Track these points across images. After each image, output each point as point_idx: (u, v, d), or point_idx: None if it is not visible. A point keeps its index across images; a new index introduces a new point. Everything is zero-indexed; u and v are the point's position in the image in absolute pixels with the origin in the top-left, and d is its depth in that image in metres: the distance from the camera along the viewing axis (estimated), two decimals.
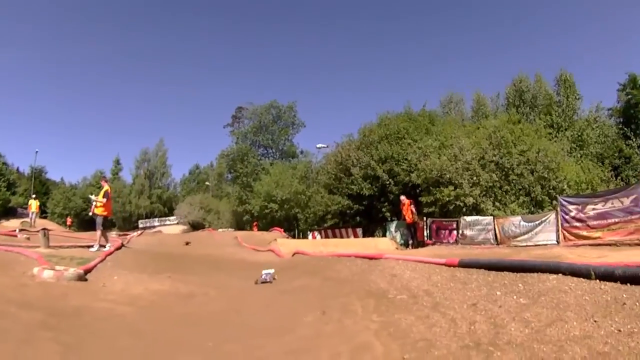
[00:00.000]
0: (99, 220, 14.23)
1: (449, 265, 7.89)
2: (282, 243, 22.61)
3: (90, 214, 15.00)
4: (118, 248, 15.20)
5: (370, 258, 10.63)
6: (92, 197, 14.77)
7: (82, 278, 9.26)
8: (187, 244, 25.35)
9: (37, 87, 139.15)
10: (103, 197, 14.35)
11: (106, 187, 14.69)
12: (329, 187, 31.86)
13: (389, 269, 8.75)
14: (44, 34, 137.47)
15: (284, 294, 9.15)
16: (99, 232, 14.17)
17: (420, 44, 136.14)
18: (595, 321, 3.98)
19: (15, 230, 24.39)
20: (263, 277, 10.58)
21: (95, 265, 10.58)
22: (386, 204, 26.77)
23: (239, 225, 53.18)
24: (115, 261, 12.38)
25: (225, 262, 16.92)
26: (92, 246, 13.92)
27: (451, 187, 21.47)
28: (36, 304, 6.97)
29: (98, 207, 14.36)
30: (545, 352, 3.62)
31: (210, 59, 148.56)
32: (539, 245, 16.03)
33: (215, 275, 12.45)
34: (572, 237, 15.41)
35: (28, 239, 18.21)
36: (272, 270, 10.87)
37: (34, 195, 35.11)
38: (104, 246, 13.93)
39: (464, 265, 7.58)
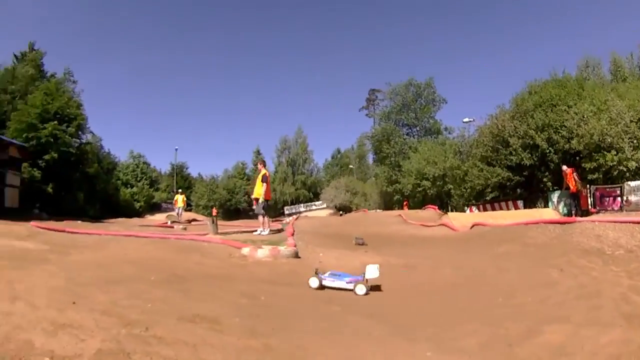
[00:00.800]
0: (259, 205, 14.26)
1: None
2: (454, 217, 23.42)
3: (252, 198, 14.80)
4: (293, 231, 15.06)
5: (562, 223, 11.10)
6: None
7: (297, 255, 9.91)
8: (340, 215, 25.81)
9: (172, 86, 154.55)
10: (262, 181, 14.35)
11: (264, 170, 14.73)
12: (487, 160, 31.39)
13: (589, 230, 9.09)
14: (177, 31, 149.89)
15: (497, 258, 9.42)
16: (261, 217, 14.33)
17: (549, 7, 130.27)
18: None
19: (167, 222, 27.37)
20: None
21: (295, 244, 10.91)
22: (547, 173, 26.88)
23: (387, 206, 54.36)
24: (303, 241, 12.73)
25: (403, 237, 17.58)
26: (255, 230, 14.32)
27: (613, 152, 21.50)
28: (278, 281, 7.56)
29: (257, 191, 14.36)
30: None
31: (339, 44, 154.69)
32: None
33: (406, 249, 12.81)
34: None
35: (185, 229, 20.03)
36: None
37: (179, 190, 36.88)
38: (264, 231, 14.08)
39: None
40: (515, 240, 10.92)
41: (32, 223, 14.89)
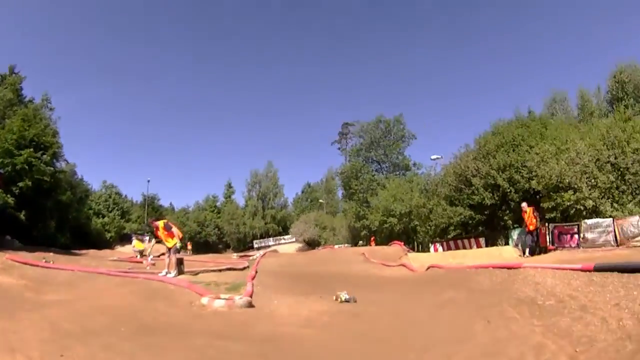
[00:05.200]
0: (173, 250, 14.82)
1: (585, 270, 8.34)
2: (413, 258, 23.89)
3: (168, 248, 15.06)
4: (255, 272, 15.91)
5: (509, 268, 11.15)
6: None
7: (250, 305, 10.26)
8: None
9: (144, 118, 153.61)
10: (165, 230, 14.87)
11: (159, 223, 15.15)
12: (450, 199, 32.36)
13: (530, 277, 9.24)
14: (150, 62, 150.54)
15: (438, 306, 9.74)
16: (173, 259, 14.73)
17: (515, 44, 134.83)
18: None
19: (136, 257, 26.98)
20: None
21: (252, 291, 11.46)
22: (507, 211, 27.01)
23: (355, 241, 55.22)
24: (261, 284, 13.30)
25: (361, 278, 17.78)
26: (169, 272, 14.45)
27: (571, 192, 21.81)
28: (229, 334, 7.88)
29: (169, 241, 14.83)
30: None
31: (310, 79, 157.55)
32: None
33: (360, 293, 12.74)
34: None
35: (154, 264, 20.25)
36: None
37: (136, 234, 37.24)
38: (170, 272, 14.39)
39: (599, 269, 8.03)
40: (462, 285, 11.20)
41: (7, 256, 16.21)
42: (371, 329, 8.57)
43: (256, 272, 16.21)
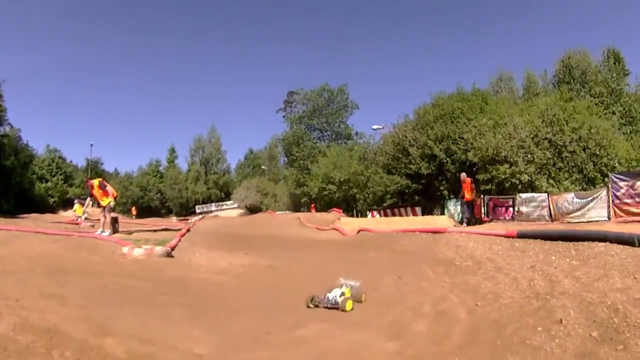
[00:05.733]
0: (108, 209, 14.74)
1: (509, 237, 8.75)
2: (346, 222, 23.99)
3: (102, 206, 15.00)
4: (187, 231, 16.49)
5: (434, 232, 11.52)
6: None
7: (169, 255, 10.71)
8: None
9: (88, 81, 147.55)
10: (100, 189, 14.88)
11: (94, 182, 15.12)
12: (388, 167, 32.39)
13: (454, 241, 9.48)
14: (96, 27, 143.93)
15: (358, 264, 10.23)
16: (108, 217, 14.68)
17: (466, 24, 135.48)
18: (635, 277, 4.85)
19: (77, 219, 26.41)
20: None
21: (176, 244, 12.09)
22: (444, 182, 27.74)
23: (296, 208, 55.19)
24: (190, 241, 13.88)
25: (293, 240, 18.01)
26: (104, 231, 14.35)
27: (507, 165, 22.09)
28: (140, 276, 8.37)
29: (104, 200, 14.81)
30: (592, 298, 4.43)
31: (257, 44, 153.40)
32: (591, 221, 16.52)
33: (287, 252, 13.43)
34: (622, 214, 16.15)
35: (92, 226, 20.03)
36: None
37: (77, 199, 35.95)
38: (104, 232, 14.29)
39: (522, 235, 8.46)
40: (386, 247, 11.54)
41: None
42: (283, 280, 9.20)
43: (188, 230, 16.89)
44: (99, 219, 17.15)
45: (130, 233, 15.43)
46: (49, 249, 10.64)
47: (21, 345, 3.75)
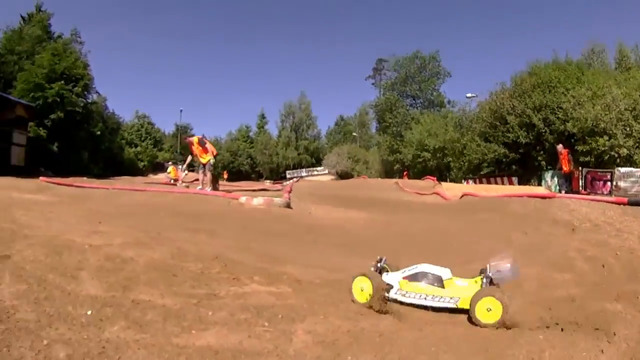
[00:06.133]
0: (209, 165, 14.73)
1: (619, 204, 8.98)
2: (448, 187, 24.21)
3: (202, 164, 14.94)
4: (290, 190, 16.18)
5: (543, 197, 11.44)
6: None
7: (289, 205, 11.21)
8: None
9: (177, 48, 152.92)
10: (200, 146, 14.82)
11: (194, 139, 15.14)
12: (485, 135, 32.35)
13: (565, 205, 9.50)
14: None
15: (472, 223, 10.13)
16: (208, 175, 14.68)
17: None
18: None
19: (170, 181, 26.87)
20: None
21: (289, 199, 12.14)
22: (542, 152, 27.51)
23: (388, 175, 53.88)
24: (297, 198, 14.06)
25: (396, 203, 17.81)
26: (203, 189, 14.44)
27: (606, 137, 21.93)
28: (270, 219, 8.93)
29: (204, 157, 14.74)
30: None
31: (348, 7, 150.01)
32: None
33: (396, 211, 13.79)
34: None
35: (187, 187, 19.54)
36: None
37: (170, 162, 37.29)
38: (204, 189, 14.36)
39: (632, 203, 8.75)
40: (496, 210, 11.35)
41: (41, 178, 14.81)
42: (406, 231, 9.47)
43: (291, 189, 16.62)
44: (192, 181, 18.03)
45: (229, 192, 14.56)
46: (161, 200, 11.21)
47: (191, 271, 4.03)
